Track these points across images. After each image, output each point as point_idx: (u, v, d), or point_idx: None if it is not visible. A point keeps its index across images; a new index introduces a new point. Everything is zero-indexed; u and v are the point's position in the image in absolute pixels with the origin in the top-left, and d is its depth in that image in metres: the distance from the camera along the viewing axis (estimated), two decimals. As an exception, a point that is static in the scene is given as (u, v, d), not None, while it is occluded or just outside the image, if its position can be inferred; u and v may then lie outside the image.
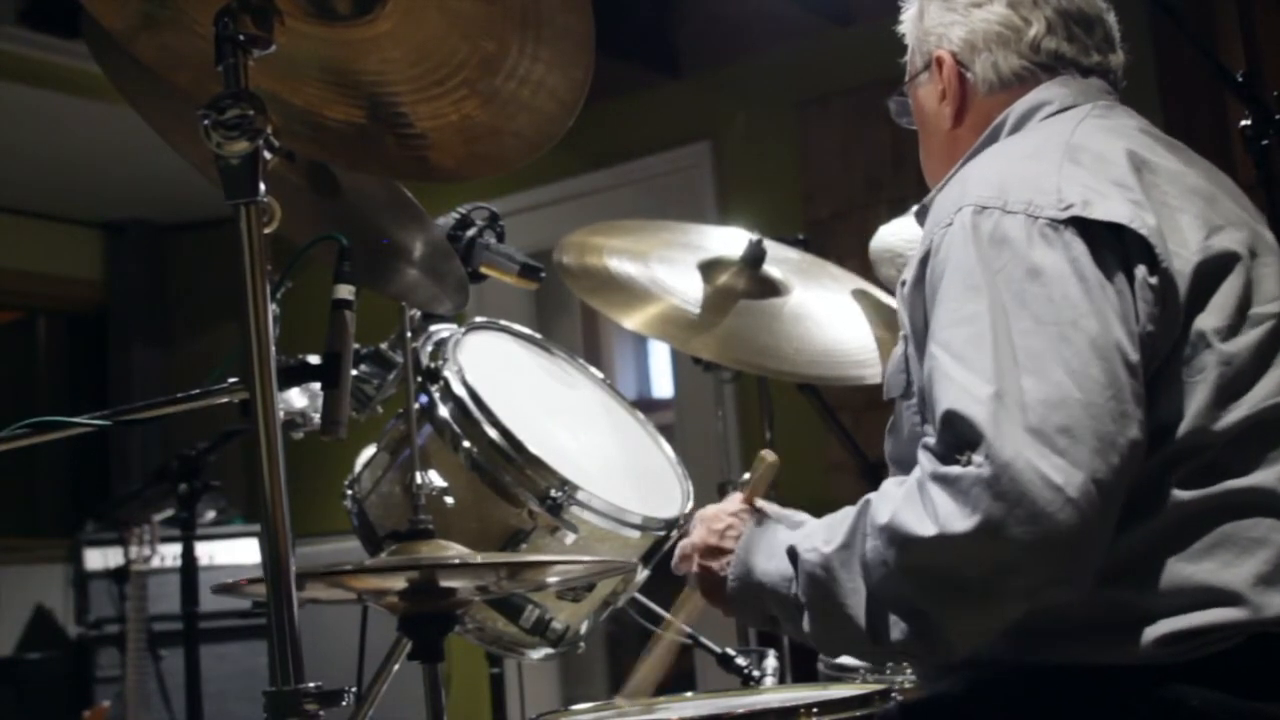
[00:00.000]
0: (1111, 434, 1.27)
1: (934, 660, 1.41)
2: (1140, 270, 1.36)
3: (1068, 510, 1.24)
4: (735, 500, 1.64)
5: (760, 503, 1.62)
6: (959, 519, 1.26)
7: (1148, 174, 1.45)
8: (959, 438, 1.29)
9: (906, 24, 1.76)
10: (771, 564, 1.49)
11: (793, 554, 1.45)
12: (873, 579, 1.35)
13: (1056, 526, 1.24)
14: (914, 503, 1.31)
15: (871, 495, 1.39)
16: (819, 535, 1.44)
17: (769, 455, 1.75)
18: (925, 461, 1.32)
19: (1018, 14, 1.62)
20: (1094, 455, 1.26)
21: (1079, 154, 1.45)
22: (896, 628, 1.35)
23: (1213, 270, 1.41)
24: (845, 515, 1.42)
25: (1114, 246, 1.36)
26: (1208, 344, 1.38)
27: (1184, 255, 1.40)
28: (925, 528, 1.28)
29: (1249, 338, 1.40)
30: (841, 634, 1.41)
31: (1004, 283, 1.34)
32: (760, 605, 1.51)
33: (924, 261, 1.44)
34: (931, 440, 1.33)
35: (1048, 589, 1.30)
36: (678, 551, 1.66)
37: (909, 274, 1.48)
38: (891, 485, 1.39)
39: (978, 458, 1.26)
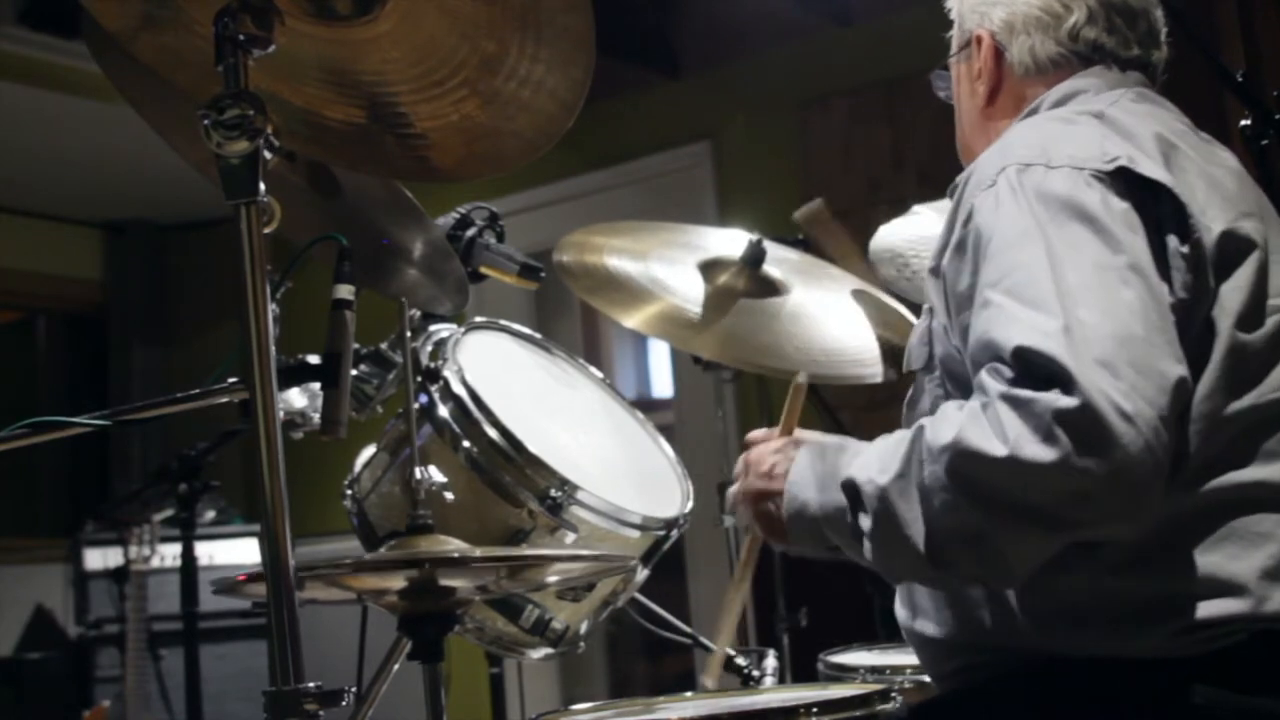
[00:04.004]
0: (1168, 374, 1.28)
1: (996, 584, 1.41)
2: (1172, 240, 1.38)
3: (1139, 444, 1.23)
4: (775, 438, 1.63)
5: (800, 433, 1.62)
6: (1033, 445, 1.24)
7: (1175, 156, 1.47)
8: (1032, 369, 1.27)
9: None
10: (825, 496, 1.46)
11: (850, 487, 1.42)
12: (933, 505, 1.32)
13: (1131, 460, 1.23)
14: (980, 423, 1.29)
15: (925, 420, 1.37)
16: (873, 465, 1.40)
17: (799, 377, 1.74)
18: (992, 384, 1.30)
19: (1059, 0, 1.63)
20: (1159, 392, 1.26)
21: (1112, 126, 1.48)
22: (957, 552, 1.33)
23: (1233, 251, 1.42)
24: (899, 441, 1.39)
25: (1150, 209, 1.38)
26: (1219, 330, 1.39)
27: (1213, 230, 1.41)
28: (995, 447, 1.26)
29: (1263, 329, 1.41)
30: (903, 560, 1.38)
31: (1055, 230, 1.35)
32: (819, 537, 1.49)
33: (965, 223, 1.43)
34: (995, 370, 1.31)
35: (1112, 522, 1.29)
36: (729, 501, 1.65)
37: (945, 240, 1.47)
38: (951, 408, 1.35)
39: (1056, 389, 1.25)
